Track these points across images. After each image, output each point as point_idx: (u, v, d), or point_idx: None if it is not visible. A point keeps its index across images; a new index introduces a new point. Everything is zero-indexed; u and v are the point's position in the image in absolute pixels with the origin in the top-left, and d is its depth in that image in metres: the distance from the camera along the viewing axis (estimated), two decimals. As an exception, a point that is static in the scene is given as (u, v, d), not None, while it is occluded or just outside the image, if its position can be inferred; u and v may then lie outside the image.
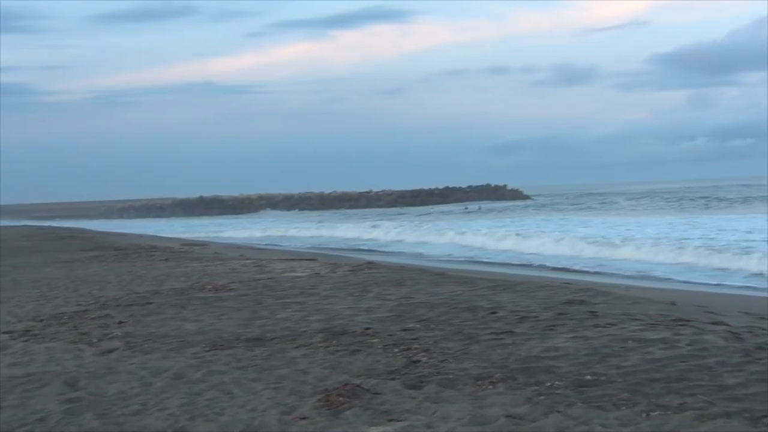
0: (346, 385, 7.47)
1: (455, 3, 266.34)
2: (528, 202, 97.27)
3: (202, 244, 33.52)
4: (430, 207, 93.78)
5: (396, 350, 9.01)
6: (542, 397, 6.89)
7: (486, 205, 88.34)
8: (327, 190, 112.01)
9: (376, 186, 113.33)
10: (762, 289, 18.36)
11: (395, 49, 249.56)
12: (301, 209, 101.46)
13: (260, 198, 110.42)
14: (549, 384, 7.28)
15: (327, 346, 9.35)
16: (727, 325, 9.97)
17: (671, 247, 27.66)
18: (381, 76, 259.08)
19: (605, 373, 7.59)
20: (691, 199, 78.22)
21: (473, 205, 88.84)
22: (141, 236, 45.23)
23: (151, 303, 13.87)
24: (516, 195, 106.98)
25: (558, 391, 7.04)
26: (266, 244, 39.47)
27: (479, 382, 7.47)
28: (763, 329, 9.74)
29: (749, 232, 33.35)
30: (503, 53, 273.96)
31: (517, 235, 36.94)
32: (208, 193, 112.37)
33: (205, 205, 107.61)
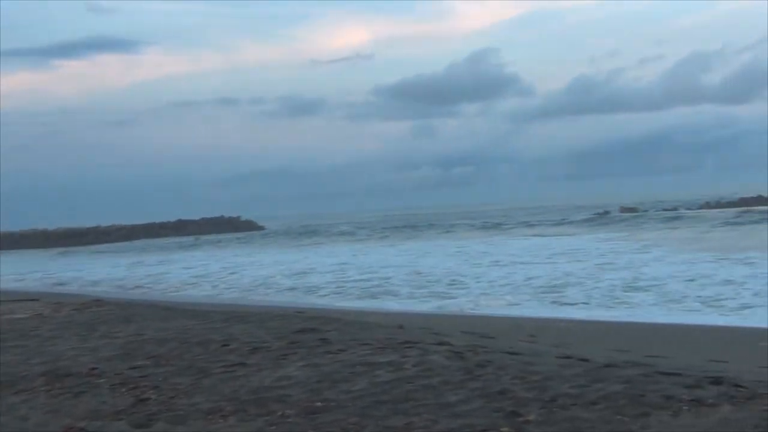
0: (69, 429, 7.12)
1: (183, 33, 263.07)
2: (254, 233, 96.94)
3: None
4: (163, 239, 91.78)
5: (124, 389, 8.70)
6: (273, 427, 6.87)
7: (209, 237, 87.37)
8: (51, 227, 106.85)
9: (105, 221, 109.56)
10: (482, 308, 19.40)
11: (123, 80, 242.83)
12: (23, 247, 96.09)
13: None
14: (280, 413, 7.28)
15: (49, 390, 8.88)
16: (451, 344, 10.41)
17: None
18: (109, 106, 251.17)
19: (335, 399, 7.69)
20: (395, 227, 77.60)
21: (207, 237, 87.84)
22: None
23: None
24: (250, 226, 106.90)
25: (289, 420, 7.05)
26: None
27: (210, 416, 7.35)
28: (483, 347, 10.26)
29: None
30: (232, 84, 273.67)
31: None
32: None
33: None
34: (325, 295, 25.24)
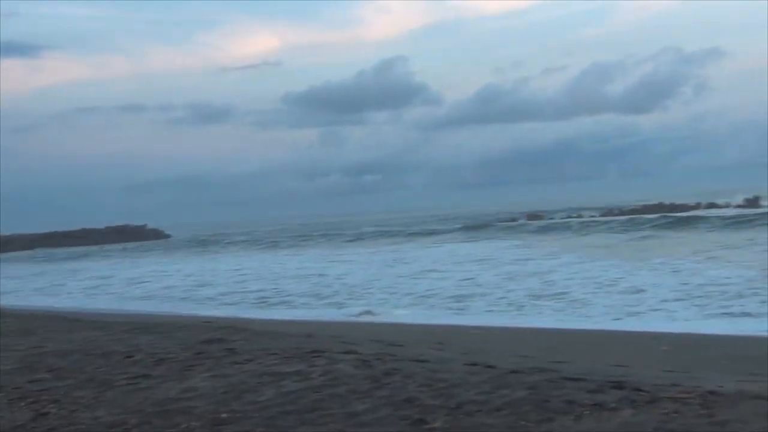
0: (-37, 446, 6.89)
1: (88, 38, 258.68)
2: (160, 241, 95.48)
3: None
4: (67, 249, 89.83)
5: (22, 404, 8.45)
6: (178, 440, 6.77)
7: (114, 246, 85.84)
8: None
9: (6, 229, 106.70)
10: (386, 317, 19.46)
11: (26, 85, 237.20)
12: None
13: None
14: (185, 425, 7.17)
15: (-57, 406, 8.57)
16: (359, 353, 10.40)
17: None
18: (11, 112, 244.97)
19: (241, 410, 7.60)
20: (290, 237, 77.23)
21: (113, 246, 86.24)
22: None
23: None
24: (157, 235, 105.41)
25: (194, 432, 6.96)
26: None
27: (113, 430, 7.19)
28: (391, 355, 10.27)
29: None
30: (139, 91, 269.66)
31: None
32: None
33: None
34: (231, 304, 25.04)
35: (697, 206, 65.84)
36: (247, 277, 34.64)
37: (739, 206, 62.41)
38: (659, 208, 66.53)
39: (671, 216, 55.43)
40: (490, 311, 20.14)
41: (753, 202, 63.20)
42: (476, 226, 64.46)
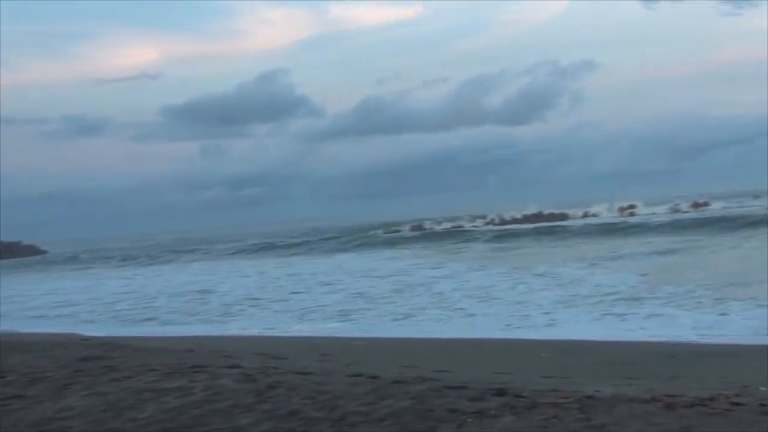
0: None
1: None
2: (36, 257, 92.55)
3: None
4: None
5: None
6: (52, 462, 6.54)
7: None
8: None
9: None
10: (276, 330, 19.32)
11: None
12: None
13: None
14: (60, 446, 6.94)
15: None
16: (242, 367, 10.28)
17: None
18: None
19: (121, 428, 7.41)
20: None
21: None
22: None
23: None
24: (32, 251, 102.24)
25: (70, 453, 6.74)
26: None
27: (-17, 454, 6.91)
28: (275, 368, 10.19)
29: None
30: (11, 103, 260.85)
31: None
32: None
33: None
34: (108, 321, 24.46)
35: (574, 215, 67.53)
36: (124, 293, 33.89)
37: (615, 214, 64.32)
38: (539, 217, 68.00)
39: (551, 224, 56.72)
40: (375, 323, 20.18)
41: (627, 210, 65.22)
42: (361, 237, 64.61)
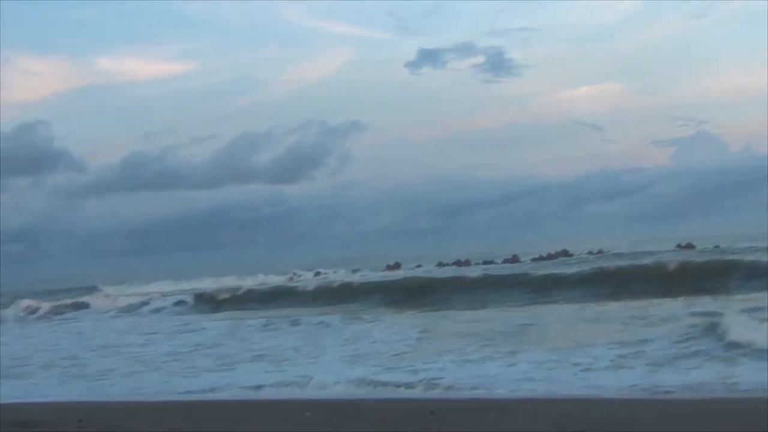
0: None
1: None
2: None
3: None
4: None
5: None
6: None
7: None
8: None
9: None
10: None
11: None
12: None
13: None
14: None
15: None
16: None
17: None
18: None
19: None
20: None
21: None
22: None
23: None
24: None
25: None
26: None
27: None
28: None
29: None
30: None
31: None
32: None
33: None
34: None
35: (345, 273, 68.20)
36: None
37: (383, 272, 65.53)
38: (315, 275, 68.50)
39: (327, 283, 56.02)
40: (135, 388, 19.46)
41: (394, 268, 66.75)
42: (130, 296, 62.54)
